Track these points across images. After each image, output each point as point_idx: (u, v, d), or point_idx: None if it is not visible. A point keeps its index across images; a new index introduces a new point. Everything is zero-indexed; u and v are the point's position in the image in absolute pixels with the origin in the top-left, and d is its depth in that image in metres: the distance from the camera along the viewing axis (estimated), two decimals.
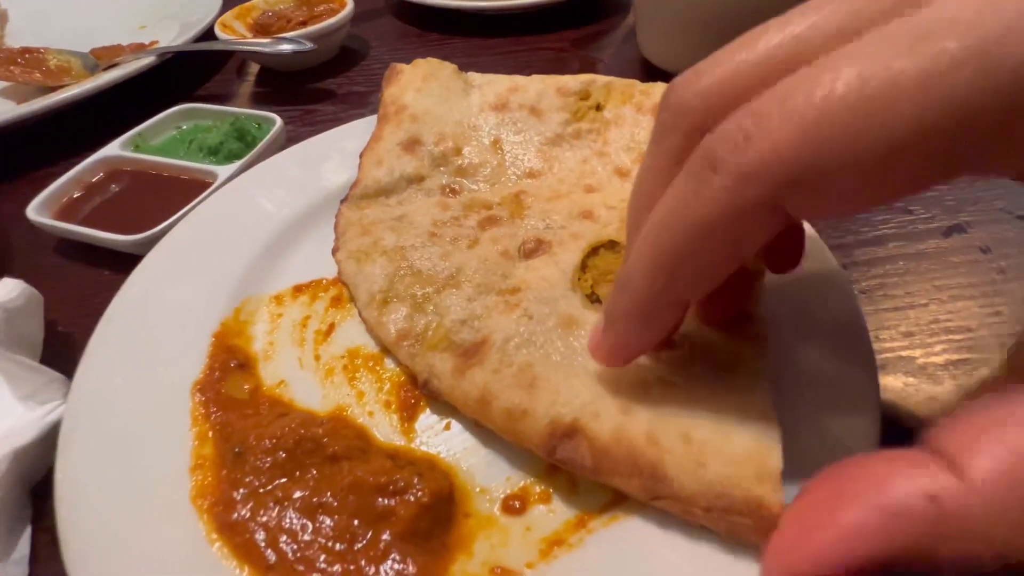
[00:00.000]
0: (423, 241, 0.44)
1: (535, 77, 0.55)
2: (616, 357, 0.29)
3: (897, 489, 0.18)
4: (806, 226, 0.40)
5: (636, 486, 0.29)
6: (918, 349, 0.42)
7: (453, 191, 0.49)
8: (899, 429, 0.36)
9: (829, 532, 0.19)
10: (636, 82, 0.51)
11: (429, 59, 0.56)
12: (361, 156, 0.51)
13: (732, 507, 0.27)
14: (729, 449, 0.27)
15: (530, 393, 0.32)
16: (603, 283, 0.38)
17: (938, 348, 0.42)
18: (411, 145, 0.51)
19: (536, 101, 0.53)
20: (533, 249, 0.42)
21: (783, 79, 0.20)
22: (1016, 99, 0.18)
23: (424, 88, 0.54)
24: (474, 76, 0.56)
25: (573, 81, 0.53)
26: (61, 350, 0.47)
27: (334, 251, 0.46)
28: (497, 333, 0.35)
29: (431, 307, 0.40)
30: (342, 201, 0.49)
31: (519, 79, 0.55)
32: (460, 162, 0.50)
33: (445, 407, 0.37)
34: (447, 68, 0.56)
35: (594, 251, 0.41)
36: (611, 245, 0.41)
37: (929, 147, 0.19)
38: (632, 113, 0.50)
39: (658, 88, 0.50)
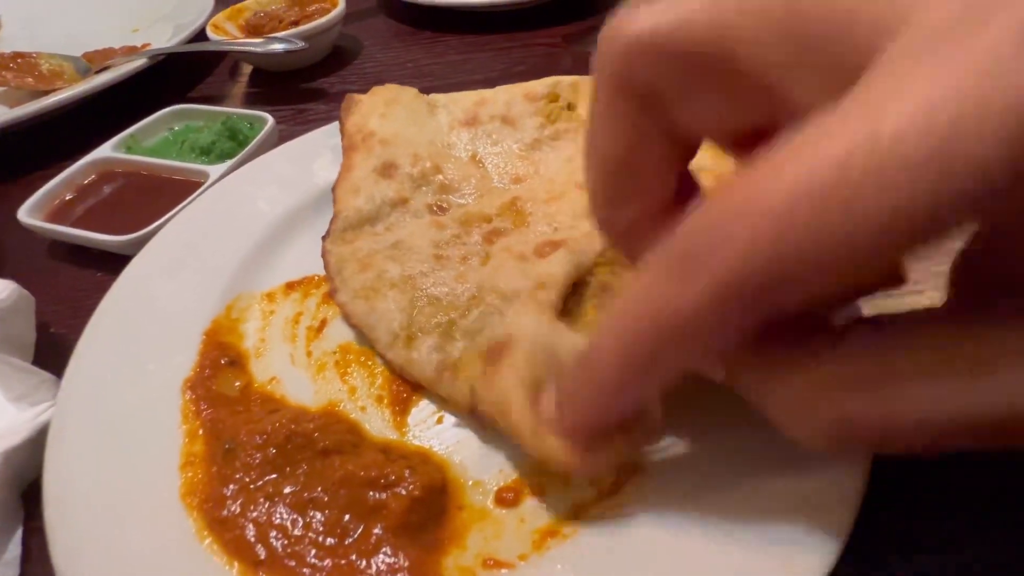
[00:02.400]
0: (431, 266, 0.41)
1: (499, 88, 0.54)
2: (575, 443, 0.27)
3: None
4: None
5: None
6: None
7: (441, 208, 0.46)
8: None
9: None
10: None
11: (387, 85, 0.55)
12: (334, 189, 0.48)
13: None
14: None
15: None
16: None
17: None
18: (387, 169, 0.48)
19: (506, 111, 0.52)
20: (550, 253, 0.40)
21: (751, 166, 0.17)
22: None
23: (388, 113, 0.52)
24: (437, 97, 0.55)
25: (539, 85, 0.52)
26: (53, 352, 0.46)
27: (332, 293, 0.42)
28: (521, 331, 0.33)
29: (459, 333, 0.37)
30: (323, 239, 0.46)
31: (484, 92, 0.54)
32: (442, 179, 0.48)
33: (438, 399, 0.37)
34: (408, 92, 0.54)
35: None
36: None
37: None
38: None
39: None
